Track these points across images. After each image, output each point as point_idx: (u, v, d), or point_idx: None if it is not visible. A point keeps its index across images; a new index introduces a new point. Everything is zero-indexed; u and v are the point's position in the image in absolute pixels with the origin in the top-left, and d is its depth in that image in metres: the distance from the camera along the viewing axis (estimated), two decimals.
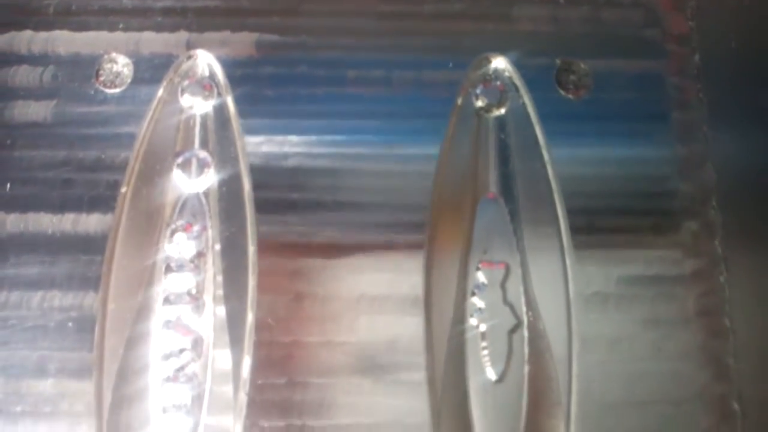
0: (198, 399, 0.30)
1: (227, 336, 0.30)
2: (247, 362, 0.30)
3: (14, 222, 0.30)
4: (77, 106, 0.31)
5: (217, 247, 0.31)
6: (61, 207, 0.30)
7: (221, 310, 0.30)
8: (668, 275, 0.31)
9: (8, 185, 0.30)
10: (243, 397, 0.29)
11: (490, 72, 0.33)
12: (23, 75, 0.31)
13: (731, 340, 0.30)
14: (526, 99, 0.32)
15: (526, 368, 0.30)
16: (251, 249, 0.31)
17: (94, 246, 0.30)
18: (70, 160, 0.31)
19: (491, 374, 0.30)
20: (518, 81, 0.32)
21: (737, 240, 0.31)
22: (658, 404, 0.30)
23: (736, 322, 0.30)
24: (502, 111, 0.32)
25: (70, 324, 0.29)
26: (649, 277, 0.31)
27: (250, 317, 0.30)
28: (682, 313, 0.30)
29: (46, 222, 0.30)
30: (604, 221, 0.31)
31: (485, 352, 0.30)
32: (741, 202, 0.31)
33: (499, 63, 0.33)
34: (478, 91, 0.32)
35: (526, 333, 0.30)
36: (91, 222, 0.30)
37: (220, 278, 0.31)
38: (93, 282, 0.30)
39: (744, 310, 0.30)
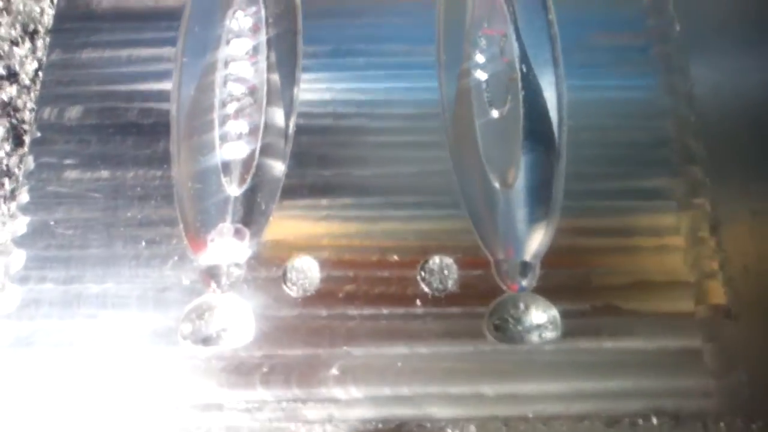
0: (254, 130, 0.36)
1: (279, 91, 0.37)
2: (293, 120, 0.36)
3: (111, 1, 0.38)
4: None
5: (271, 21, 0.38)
6: None
7: (273, 73, 0.37)
8: None
9: None
10: (288, 149, 0.36)
11: None
12: None
13: None
14: None
15: (522, 108, 0.37)
16: (299, 30, 0.38)
17: (173, 17, 0.37)
18: None
19: (494, 113, 0.37)
20: None
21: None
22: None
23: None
24: None
25: (148, 65, 0.36)
26: None
27: (295, 91, 0.37)
28: None
29: (132, 1, 0.38)
30: None
31: (488, 96, 0.37)
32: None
33: None
34: None
35: (521, 81, 0.37)
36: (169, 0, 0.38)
37: (273, 50, 0.38)
38: (171, 41, 0.37)
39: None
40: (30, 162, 0.34)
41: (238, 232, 0.34)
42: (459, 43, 0.38)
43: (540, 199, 0.35)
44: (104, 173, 0.34)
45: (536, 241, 0.34)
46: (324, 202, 0.34)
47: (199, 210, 0.34)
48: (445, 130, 0.36)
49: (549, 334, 0.32)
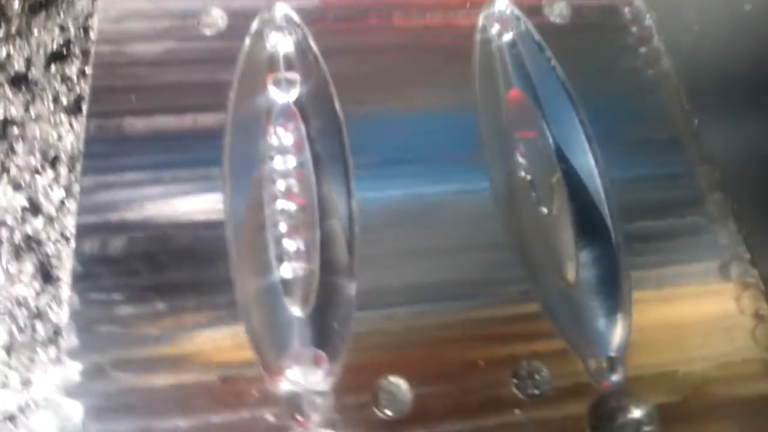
0: (311, 247, 0.34)
1: (333, 205, 0.36)
2: (354, 233, 0.35)
3: (145, 124, 0.36)
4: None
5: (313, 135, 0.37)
6: (182, 110, 0.36)
7: (323, 187, 0.36)
8: None
9: (133, 97, 0.36)
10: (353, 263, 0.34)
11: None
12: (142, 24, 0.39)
13: None
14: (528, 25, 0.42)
15: (569, 204, 0.37)
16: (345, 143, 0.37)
17: (211, 134, 0.36)
18: (184, 83, 0.37)
19: (543, 211, 0.37)
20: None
21: None
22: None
23: None
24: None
25: (193, 185, 0.34)
26: None
27: (353, 204, 0.36)
28: None
29: (169, 121, 0.36)
30: None
31: (535, 195, 0.38)
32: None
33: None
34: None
35: (563, 179, 0.38)
36: (208, 119, 0.36)
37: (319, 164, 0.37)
38: (213, 161, 0.35)
39: None
40: (75, 301, 0.31)
41: (315, 357, 0.32)
42: (501, 144, 0.39)
43: (607, 293, 0.35)
44: (160, 306, 0.31)
45: (616, 334, 0.34)
46: (403, 310, 0.33)
47: (268, 336, 0.32)
48: (504, 230, 0.36)
49: (647, 429, 0.32)
